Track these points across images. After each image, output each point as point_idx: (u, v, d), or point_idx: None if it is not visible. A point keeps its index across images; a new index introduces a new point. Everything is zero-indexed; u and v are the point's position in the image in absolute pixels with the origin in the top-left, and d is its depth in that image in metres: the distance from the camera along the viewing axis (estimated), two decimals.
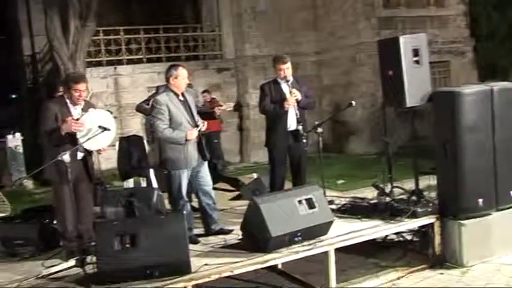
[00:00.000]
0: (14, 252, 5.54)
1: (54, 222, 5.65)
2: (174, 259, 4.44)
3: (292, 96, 6.13)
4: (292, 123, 6.25)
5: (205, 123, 5.59)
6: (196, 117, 5.60)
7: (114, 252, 4.46)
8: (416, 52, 5.72)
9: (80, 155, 5.23)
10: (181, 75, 5.55)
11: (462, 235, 5.43)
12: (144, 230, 4.51)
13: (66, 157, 4.86)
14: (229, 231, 5.66)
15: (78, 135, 5.13)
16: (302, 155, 6.38)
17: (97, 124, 5.17)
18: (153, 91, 7.88)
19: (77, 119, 5.15)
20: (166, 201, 6.62)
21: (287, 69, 6.23)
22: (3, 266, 5.24)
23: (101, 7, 11.99)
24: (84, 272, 4.67)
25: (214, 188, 6.32)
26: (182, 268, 4.47)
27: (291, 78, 6.29)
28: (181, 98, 5.57)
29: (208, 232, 5.70)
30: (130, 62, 13.58)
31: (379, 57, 6.15)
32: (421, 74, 5.79)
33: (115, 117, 5.60)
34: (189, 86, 6.19)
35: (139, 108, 7.02)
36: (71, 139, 5.13)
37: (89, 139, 5.10)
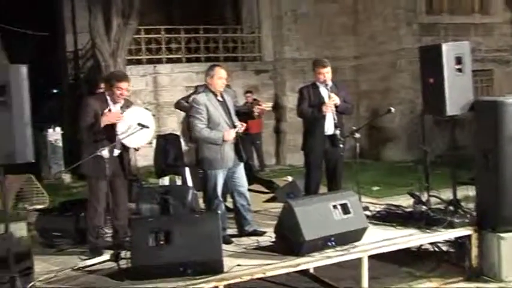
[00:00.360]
0: (52, 243, 5.67)
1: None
2: (207, 258, 4.47)
3: (331, 101, 6.10)
4: (329, 128, 6.21)
5: (244, 124, 5.58)
6: (235, 118, 5.61)
7: (149, 248, 4.51)
8: (459, 60, 5.61)
9: (117, 152, 5.29)
10: (217, 75, 5.55)
11: (501, 248, 5.30)
12: (179, 228, 4.55)
13: (105, 152, 4.95)
14: (262, 233, 5.65)
15: (118, 131, 5.21)
16: (338, 160, 6.34)
17: (136, 121, 5.24)
18: (192, 90, 7.93)
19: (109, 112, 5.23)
20: (200, 201, 6.69)
21: (327, 73, 6.20)
22: (41, 256, 5.36)
23: (143, 6, 12.15)
24: (118, 267, 4.74)
25: (249, 190, 6.33)
26: (215, 267, 4.49)
27: (330, 83, 6.25)
28: (219, 98, 5.60)
29: (242, 233, 5.71)
30: (169, 61, 13.72)
31: (420, 64, 6.05)
32: (463, 82, 5.66)
33: (153, 115, 5.65)
34: (227, 86, 6.22)
35: (178, 105, 7.08)
36: (110, 135, 5.20)
37: (128, 136, 5.17)
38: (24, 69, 4.29)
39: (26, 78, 4.28)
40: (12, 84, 4.23)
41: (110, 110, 5.24)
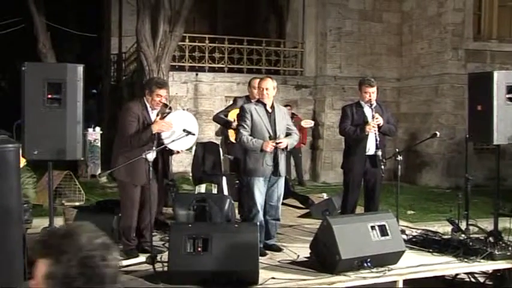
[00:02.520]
0: None
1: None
2: (243, 268, 4.49)
3: (375, 121, 6.07)
4: (371, 148, 6.18)
5: (284, 141, 5.58)
6: (281, 132, 5.62)
7: (186, 254, 4.56)
8: (510, 89, 5.52)
9: (153, 156, 5.31)
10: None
11: None
12: (217, 236, 4.59)
13: (150, 156, 5.01)
14: (279, 250, 5.67)
15: (163, 136, 5.28)
16: (377, 181, 6.30)
17: (181, 126, 5.30)
18: (231, 102, 8.01)
19: (162, 118, 5.29)
20: (236, 211, 6.72)
21: (373, 93, 6.18)
22: None
23: (189, 14, 12.32)
24: (154, 270, 4.79)
25: (283, 204, 6.34)
26: (250, 278, 4.50)
27: (374, 103, 6.23)
28: (269, 109, 5.65)
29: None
30: (211, 69, 13.85)
31: (469, 91, 5.99)
32: None
33: (197, 125, 5.70)
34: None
35: (215, 119, 7.13)
36: (152, 139, 5.27)
37: (173, 141, 5.24)
38: (80, 69, 4.41)
39: (81, 78, 4.40)
40: (68, 83, 4.34)
41: (150, 118, 5.30)
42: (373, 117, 6.14)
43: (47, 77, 4.36)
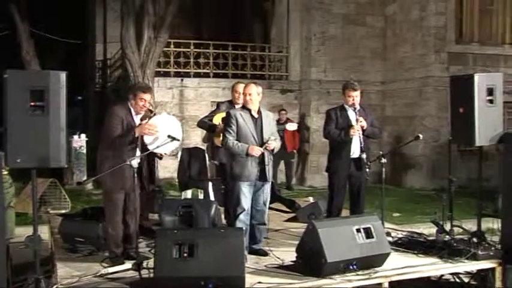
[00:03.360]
0: (74, 248, 5.73)
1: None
2: (229, 273, 4.49)
3: (359, 124, 6.12)
4: (355, 151, 6.22)
5: (270, 144, 5.59)
6: (267, 137, 5.62)
7: (172, 260, 4.55)
8: (490, 91, 5.61)
9: (136, 162, 5.27)
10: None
11: None
12: (203, 242, 4.58)
13: (134, 162, 5.01)
14: (265, 254, 5.68)
15: (146, 141, 5.27)
16: (362, 184, 6.34)
17: (165, 131, 5.29)
18: (214, 107, 8.04)
19: (146, 122, 5.29)
20: (222, 216, 6.72)
21: (356, 96, 6.23)
22: (64, 261, 5.42)
23: (174, 20, 12.32)
24: (140, 276, 4.78)
25: (270, 208, 6.35)
26: (236, 283, 4.50)
27: (358, 106, 6.27)
28: (254, 114, 5.67)
29: (248, 249, 5.71)
30: (197, 75, 13.86)
31: (451, 93, 6.05)
32: (494, 114, 5.65)
33: (181, 130, 5.71)
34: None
35: (200, 124, 7.13)
36: (136, 145, 5.27)
37: (158, 147, 5.24)
38: (63, 76, 4.39)
39: (64, 85, 4.38)
40: (51, 90, 4.33)
41: (134, 122, 5.30)
42: (357, 120, 6.18)
43: (29, 84, 4.34)
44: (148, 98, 5.38)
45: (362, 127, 6.15)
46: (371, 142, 6.65)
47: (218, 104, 7.08)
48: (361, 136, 6.17)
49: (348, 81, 6.61)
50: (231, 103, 6.69)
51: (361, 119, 6.17)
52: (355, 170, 6.27)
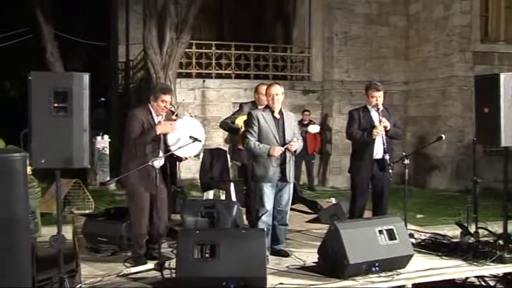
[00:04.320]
0: (98, 248, 5.77)
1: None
2: (251, 274, 4.48)
3: (382, 125, 6.06)
4: (378, 152, 6.16)
5: (293, 144, 5.58)
6: (290, 138, 5.60)
7: (194, 260, 4.55)
8: None
9: (161, 163, 5.31)
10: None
11: None
12: (225, 242, 4.58)
13: (156, 163, 5.04)
14: (287, 255, 5.65)
15: (170, 142, 5.30)
16: (385, 185, 6.27)
17: (187, 132, 5.32)
18: (236, 108, 8.03)
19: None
20: (244, 217, 6.72)
21: (380, 97, 6.16)
22: (87, 260, 5.48)
23: (195, 21, 12.38)
24: (162, 276, 4.80)
25: (292, 209, 6.32)
26: (258, 284, 4.49)
27: (381, 107, 6.21)
28: (276, 115, 5.66)
29: (270, 250, 5.70)
30: (218, 76, 13.90)
31: (475, 93, 5.96)
32: None
33: (203, 131, 5.72)
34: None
35: (222, 125, 7.14)
36: (158, 146, 5.30)
37: (179, 148, 5.26)
38: (86, 78, 4.43)
39: (87, 87, 4.42)
40: (74, 91, 4.37)
41: (155, 122, 5.33)
42: (380, 121, 6.12)
43: (53, 85, 4.38)
44: (169, 99, 5.40)
45: (385, 128, 6.08)
46: (394, 143, 6.58)
47: (241, 105, 7.07)
48: (384, 137, 6.11)
49: (370, 82, 6.55)
50: (254, 104, 6.69)
51: (384, 119, 6.10)
52: (378, 171, 6.21)
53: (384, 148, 6.13)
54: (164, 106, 5.34)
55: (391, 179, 6.21)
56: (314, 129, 9.81)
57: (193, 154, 5.59)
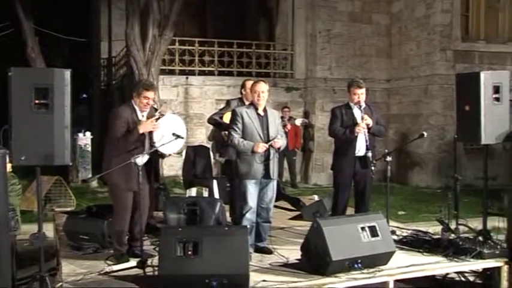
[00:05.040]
0: (79, 246, 5.73)
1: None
2: (234, 272, 4.47)
3: (364, 122, 6.09)
4: (361, 149, 6.19)
5: (277, 141, 5.59)
6: (274, 135, 5.62)
7: (176, 258, 4.54)
8: (497, 89, 5.56)
9: (144, 160, 5.27)
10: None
11: None
12: (208, 240, 4.58)
13: (139, 160, 5.01)
14: (270, 252, 5.67)
15: (153, 139, 5.27)
16: (367, 182, 6.30)
17: (170, 129, 5.30)
18: (224, 104, 8.01)
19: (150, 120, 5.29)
20: (227, 214, 6.72)
21: (362, 94, 6.19)
22: (69, 258, 5.44)
23: (178, 18, 12.32)
24: (144, 274, 4.78)
25: (274, 206, 6.33)
26: (241, 282, 4.49)
27: (363, 104, 6.24)
28: (261, 112, 5.66)
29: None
30: (201, 73, 13.86)
31: (456, 91, 6.01)
32: (500, 111, 5.60)
33: (185, 128, 5.71)
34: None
35: (210, 121, 7.14)
36: (142, 143, 5.27)
37: (162, 145, 5.24)
38: (68, 74, 4.39)
39: (69, 83, 4.38)
40: (55, 87, 4.33)
41: (139, 119, 5.30)
42: (362, 118, 6.15)
43: (34, 82, 4.33)
44: (152, 96, 5.38)
45: (367, 125, 6.12)
46: (376, 140, 6.62)
47: (228, 101, 7.06)
48: (367, 134, 6.14)
49: (353, 79, 6.57)
50: (241, 100, 6.69)
51: (366, 116, 6.13)
52: (361, 168, 6.23)
53: (367, 145, 6.16)
54: (147, 103, 5.31)
55: (373, 176, 6.24)
56: (300, 121, 9.80)
57: (175, 150, 5.58)
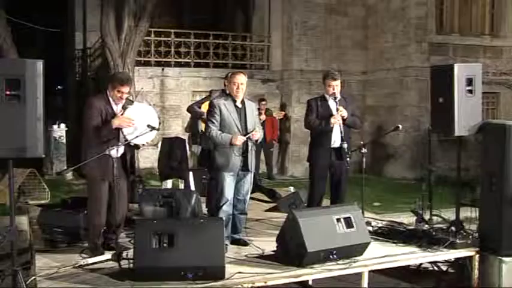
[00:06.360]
0: (53, 239, 5.67)
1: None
2: (209, 263, 4.49)
3: (339, 113, 6.12)
4: (336, 141, 6.23)
5: (255, 133, 5.58)
6: (251, 126, 5.62)
7: (151, 250, 4.53)
8: (470, 81, 5.63)
9: (120, 152, 5.27)
10: (233, 80, 5.66)
11: (502, 272, 5.31)
12: (183, 232, 4.57)
13: (113, 152, 4.97)
14: (246, 244, 5.69)
15: (125, 132, 5.22)
16: (343, 173, 6.34)
17: (143, 120, 5.24)
18: (206, 94, 8.01)
19: (121, 114, 5.24)
20: (203, 206, 6.71)
21: (337, 86, 6.22)
22: (43, 252, 5.38)
23: (154, 9, 12.20)
24: (120, 267, 4.76)
25: (250, 198, 6.34)
26: (216, 273, 4.50)
27: (339, 96, 6.27)
28: (239, 104, 5.65)
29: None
30: (177, 64, 13.76)
31: (431, 83, 6.07)
32: (473, 104, 5.68)
33: (158, 118, 5.66)
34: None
35: (189, 109, 7.11)
36: (116, 135, 5.22)
37: (136, 137, 5.20)
38: (40, 65, 4.31)
39: (41, 74, 4.30)
40: (27, 79, 4.26)
41: (114, 112, 5.25)
42: (337, 110, 6.18)
43: (5, 73, 4.24)
44: (127, 91, 5.31)
45: (342, 117, 6.15)
46: (352, 132, 6.66)
47: (211, 91, 7.06)
48: (342, 126, 6.18)
49: (328, 71, 6.59)
50: (224, 92, 6.66)
51: (341, 108, 6.17)
52: (336, 160, 6.27)
53: (342, 137, 6.20)
54: (120, 96, 5.26)
55: (348, 167, 6.28)
56: (280, 114, 9.82)
57: (149, 140, 5.53)
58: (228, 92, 5.77)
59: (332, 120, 6.11)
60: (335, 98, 6.23)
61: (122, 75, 6.13)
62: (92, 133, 5.17)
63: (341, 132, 6.19)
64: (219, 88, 7.29)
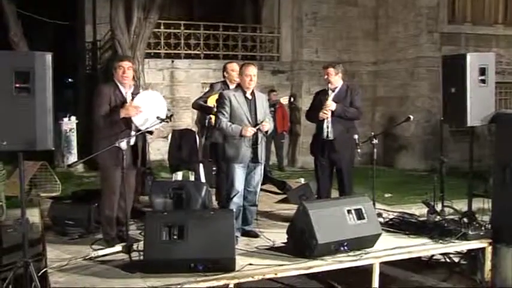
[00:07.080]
0: (64, 231, 5.70)
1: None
2: (219, 255, 4.47)
3: (325, 108, 6.10)
4: (329, 133, 6.19)
5: (265, 124, 5.55)
6: (261, 118, 5.60)
7: (161, 242, 4.52)
8: (482, 71, 5.55)
9: (131, 141, 5.26)
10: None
11: None
12: (193, 224, 4.56)
13: (123, 144, 4.96)
14: (256, 235, 5.67)
15: (137, 123, 5.21)
16: (343, 166, 6.27)
17: (152, 110, 5.22)
18: (206, 89, 7.97)
19: (131, 100, 5.22)
20: (213, 198, 6.70)
21: (329, 74, 6.23)
22: (54, 244, 5.40)
23: (164, 0, 12.18)
24: (130, 259, 4.76)
25: (261, 189, 6.32)
26: (227, 265, 4.49)
27: (334, 85, 6.23)
28: (248, 96, 5.63)
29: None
30: (187, 56, 13.75)
31: (442, 73, 6.00)
32: (486, 94, 5.61)
33: (168, 110, 5.64)
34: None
35: (195, 106, 7.07)
36: (127, 126, 5.22)
37: (147, 129, 5.19)
38: (49, 57, 4.31)
39: (50, 66, 4.30)
40: (36, 71, 4.25)
41: (124, 98, 5.23)
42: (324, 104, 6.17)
43: (14, 65, 4.25)
44: (127, 65, 5.27)
45: (331, 110, 6.11)
46: (363, 123, 6.62)
47: (212, 85, 7.00)
48: (329, 118, 6.13)
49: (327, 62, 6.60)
50: (225, 84, 6.63)
51: (328, 102, 6.11)
52: (332, 152, 6.23)
53: (328, 131, 6.17)
54: (123, 72, 5.23)
55: (359, 159, 6.24)
56: (285, 100, 9.77)
57: (161, 126, 5.50)
58: (228, 83, 5.71)
59: (320, 113, 6.09)
60: (333, 89, 6.21)
61: (119, 55, 6.12)
62: (101, 121, 5.17)
63: (327, 126, 6.15)
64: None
